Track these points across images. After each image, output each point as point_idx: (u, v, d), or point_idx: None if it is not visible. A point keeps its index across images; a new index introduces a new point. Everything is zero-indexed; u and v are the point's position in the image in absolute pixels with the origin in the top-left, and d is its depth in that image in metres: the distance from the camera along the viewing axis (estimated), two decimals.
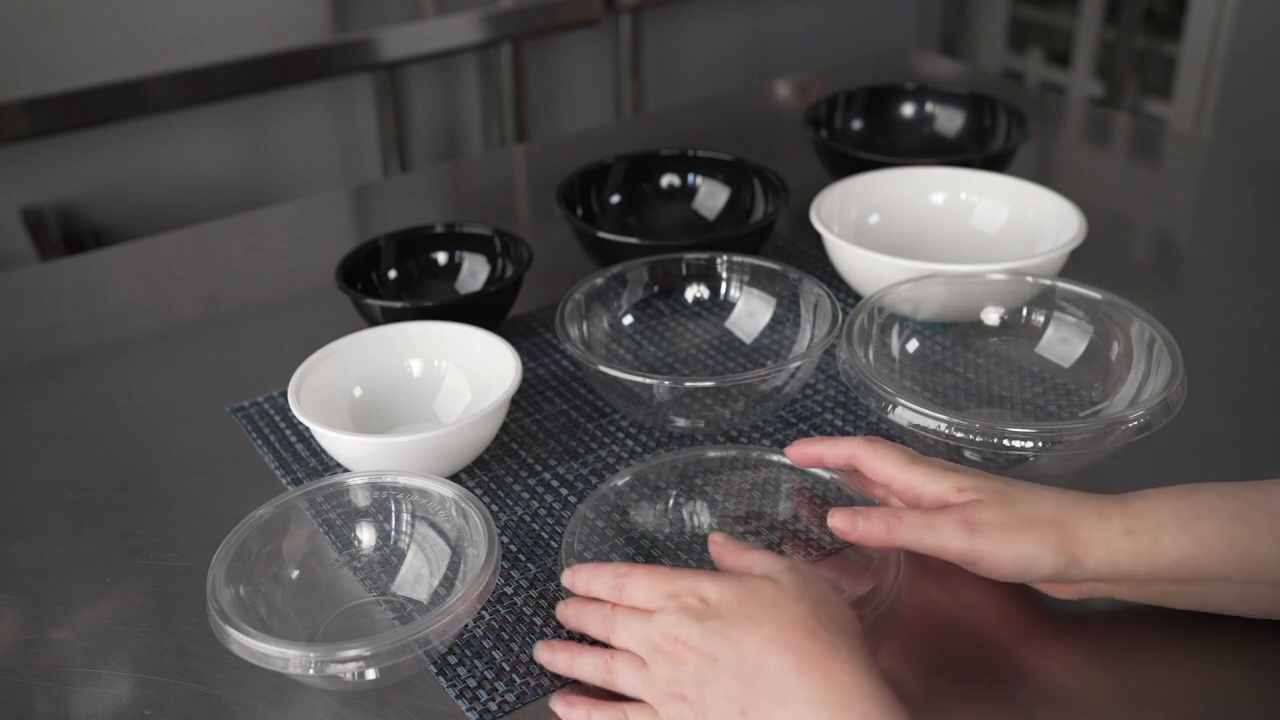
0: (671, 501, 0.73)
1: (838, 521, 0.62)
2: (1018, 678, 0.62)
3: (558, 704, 0.60)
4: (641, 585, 0.59)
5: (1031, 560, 0.59)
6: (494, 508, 0.75)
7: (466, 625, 0.64)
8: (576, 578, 0.62)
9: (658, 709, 0.56)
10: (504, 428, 0.81)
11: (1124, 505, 0.60)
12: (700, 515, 0.72)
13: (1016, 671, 0.62)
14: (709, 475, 0.74)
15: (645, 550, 0.70)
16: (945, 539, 0.60)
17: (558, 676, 0.62)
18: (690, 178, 1.08)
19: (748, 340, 0.89)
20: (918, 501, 0.63)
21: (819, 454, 0.67)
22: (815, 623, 0.54)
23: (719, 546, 0.63)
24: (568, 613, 0.62)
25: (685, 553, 0.70)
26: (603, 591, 0.60)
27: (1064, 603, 0.65)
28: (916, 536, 0.60)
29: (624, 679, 0.58)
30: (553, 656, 0.61)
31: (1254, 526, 0.58)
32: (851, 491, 0.69)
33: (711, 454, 0.74)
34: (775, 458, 0.73)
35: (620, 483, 0.72)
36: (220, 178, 2.03)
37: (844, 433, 0.80)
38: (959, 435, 0.69)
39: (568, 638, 0.64)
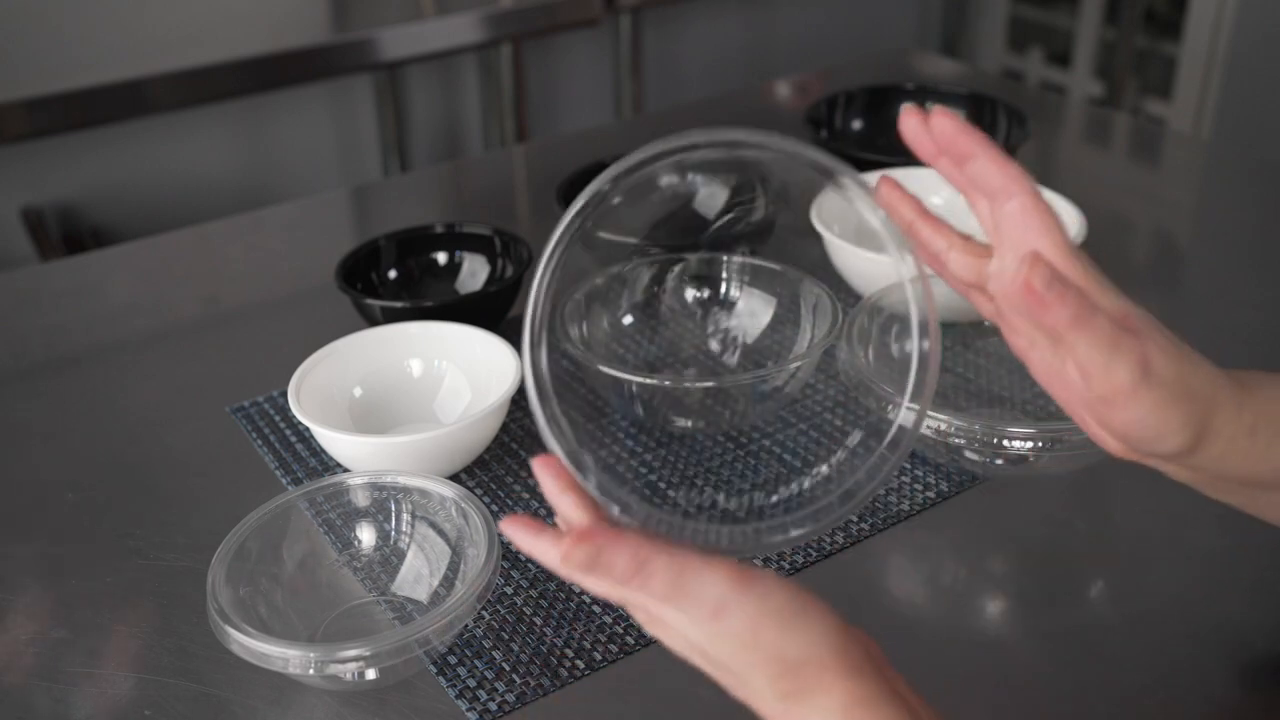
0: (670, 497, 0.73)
1: (1036, 273, 0.47)
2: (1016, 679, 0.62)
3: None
4: (595, 588, 0.49)
5: (1167, 435, 0.52)
6: (494, 508, 0.75)
7: (466, 625, 0.64)
8: (519, 536, 0.48)
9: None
10: (504, 428, 0.81)
11: (1253, 395, 0.54)
12: (697, 515, 0.72)
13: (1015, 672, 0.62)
14: (708, 475, 0.74)
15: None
16: (1120, 364, 0.50)
17: (557, 676, 0.62)
18: (690, 178, 1.08)
19: (748, 340, 0.89)
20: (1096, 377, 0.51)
21: (965, 151, 0.55)
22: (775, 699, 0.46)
23: (675, 573, 0.47)
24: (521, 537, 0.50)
25: None
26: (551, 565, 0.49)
27: (1056, 610, 0.65)
28: (1100, 337, 0.49)
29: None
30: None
31: None
32: None
33: None
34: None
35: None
36: (220, 178, 2.03)
37: (843, 432, 0.80)
38: (959, 435, 0.69)
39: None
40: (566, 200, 1.00)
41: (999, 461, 0.72)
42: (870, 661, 0.48)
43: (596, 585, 0.47)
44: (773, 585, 0.46)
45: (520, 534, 0.48)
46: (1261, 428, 0.54)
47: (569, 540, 0.46)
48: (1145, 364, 0.50)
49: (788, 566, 0.69)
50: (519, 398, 0.85)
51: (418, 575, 0.67)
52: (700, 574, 0.45)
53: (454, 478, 0.77)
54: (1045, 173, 1.23)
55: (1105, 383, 0.50)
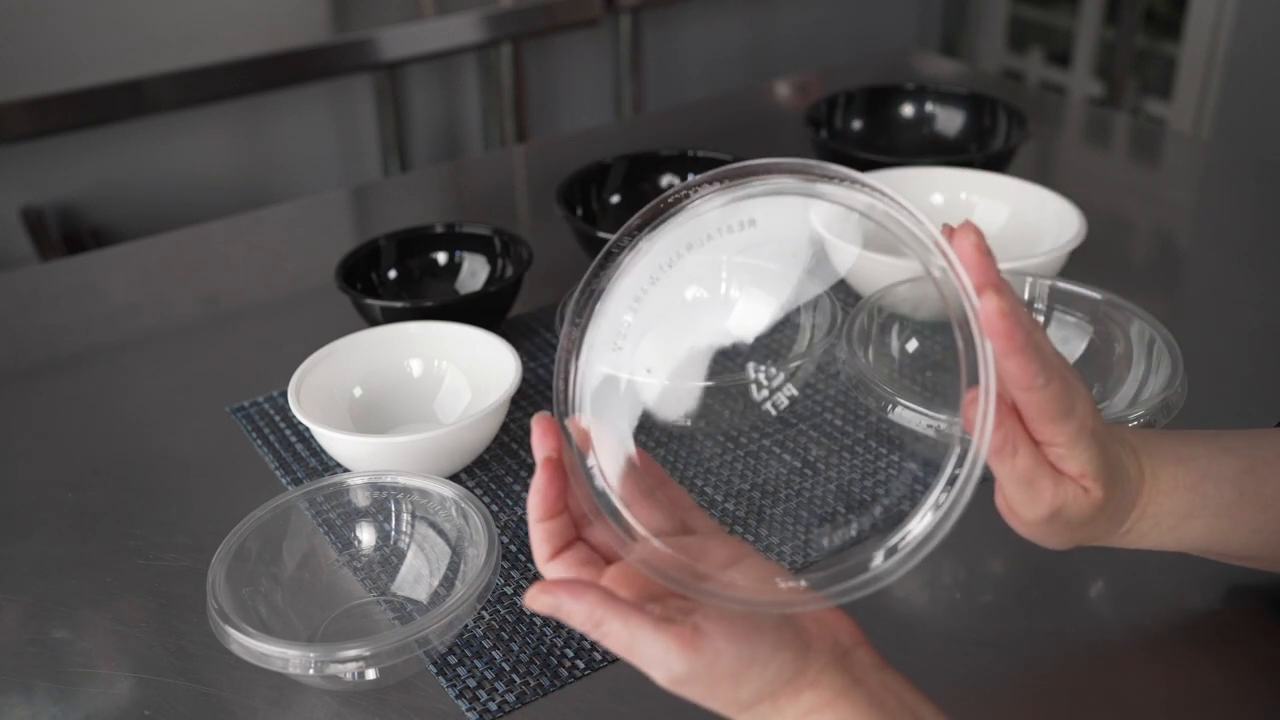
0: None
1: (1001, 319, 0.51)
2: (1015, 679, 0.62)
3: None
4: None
5: (1068, 542, 0.55)
6: (494, 508, 0.75)
7: (466, 625, 0.64)
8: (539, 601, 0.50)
9: None
10: (504, 428, 0.81)
11: (1156, 496, 0.56)
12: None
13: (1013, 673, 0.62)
14: (708, 475, 0.74)
15: None
16: (1030, 505, 0.53)
17: (557, 676, 0.62)
18: (690, 178, 1.08)
19: (748, 340, 0.89)
20: (1046, 447, 0.53)
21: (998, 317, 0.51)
22: None
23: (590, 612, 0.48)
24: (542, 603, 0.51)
25: None
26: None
27: (1056, 610, 0.65)
28: (1019, 473, 0.53)
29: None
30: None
31: (1236, 521, 0.58)
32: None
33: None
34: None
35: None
36: (220, 178, 2.03)
37: (844, 432, 0.80)
38: (959, 435, 0.69)
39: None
40: (566, 201, 1.00)
41: None
42: (836, 665, 0.49)
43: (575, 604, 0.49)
44: (721, 644, 0.47)
45: (535, 505, 0.50)
46: (1134, 528, 0.57)
47: (534, 587, 0.48)
48: (1056, 511, 0.53)
49: (787, 566, 0.69)
50: (519, 398, 0.85)
51: (418, 575, 0.67)
52: (652, 642, 0.47)
53: (454, 478, 0.77)
54: (1045, 173, 1.23)
55: (1018, 510, 0.54)
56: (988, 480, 0.75)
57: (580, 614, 0.47)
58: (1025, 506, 0.54)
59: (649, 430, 0.81)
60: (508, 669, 0.63)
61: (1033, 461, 0.53)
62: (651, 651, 0.47)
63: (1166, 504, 0.57)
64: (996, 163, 1.06)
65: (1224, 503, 0.58)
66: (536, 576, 0.69)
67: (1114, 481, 0.54)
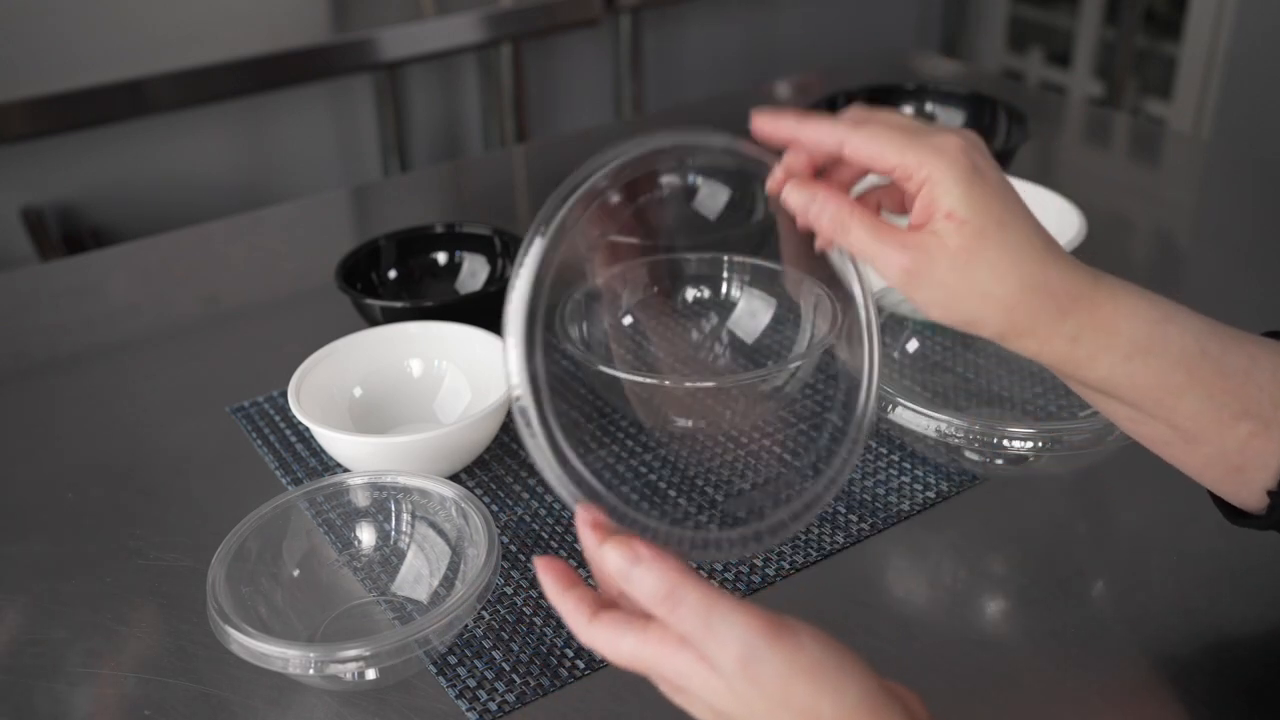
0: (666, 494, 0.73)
1: (791, 195, 0.54)
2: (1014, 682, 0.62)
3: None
4: (601, 646, 0.49)
5: (964, 324, 0.54)
6: (494, 508, 0.75)
7: (466, 625, 0.64)
8: (549, 583, 0.51)
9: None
10: (504, 428, 0.81)
11: (1088, 308, 0.54)
12: (698, 515, 0.72)
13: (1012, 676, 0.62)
14: (708, 475, 0.74)
15: None
16: (882, 273, 0.53)
17: (557, 676, 0.62)
18: (690, 178, 1.08)
19: (748, 340, 0.89)
20: (901, 181, 0.54)
21: (794, 135, 0.55)
22: None
23: (647, 595, 0.47)
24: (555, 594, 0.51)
25: None
26: (565, 621, 0.51)
27: (1057, 610, 0.65)
28: (855, 252, 0.54)
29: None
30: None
31: (1191, 375, 0.54)
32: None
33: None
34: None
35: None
36: (220, 178, 2.03)
37: (844, 433, 0.80)
38: (959, 435, 0.69)
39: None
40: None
41: (999, 461, 0.72)
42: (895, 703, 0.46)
43: (619, 647, 0.47)
44: (806, 638, 0.45)
45: (550, 583, 0.49)
46: (1085, 339, 0.53)
47: (611, 541, 0.46)
48: (912, 273, 0.52)
49: (788, 566, 0.69)
50: None
51: (418, 575, 0.67)
52: (730, 616, 0.45)
53: (454, 478, 0.77)
54: (1045, 173, 1.23)
55: (884, 278, 0.53)
56: (980, 481, 0.75)
57: (654, 576, 0.46)
58: (889, 275, 0.53)
59: (650, 429, 0.81)
60: (508, 669, 0.63)
61: (868, 230, 0.53)
62: (728, 625, 0.45)
63: (1125, 328, 0.54)
64: (997, 162, 1.06)
65: (1185, 352, 0.54)
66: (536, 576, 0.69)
67: (996, 228, 0.52)
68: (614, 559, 0.47)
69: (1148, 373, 0.54)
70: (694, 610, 0.45)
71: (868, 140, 0.53)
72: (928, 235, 0.52)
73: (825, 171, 0.56)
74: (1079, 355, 0.54)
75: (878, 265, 0.53)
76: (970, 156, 0.53)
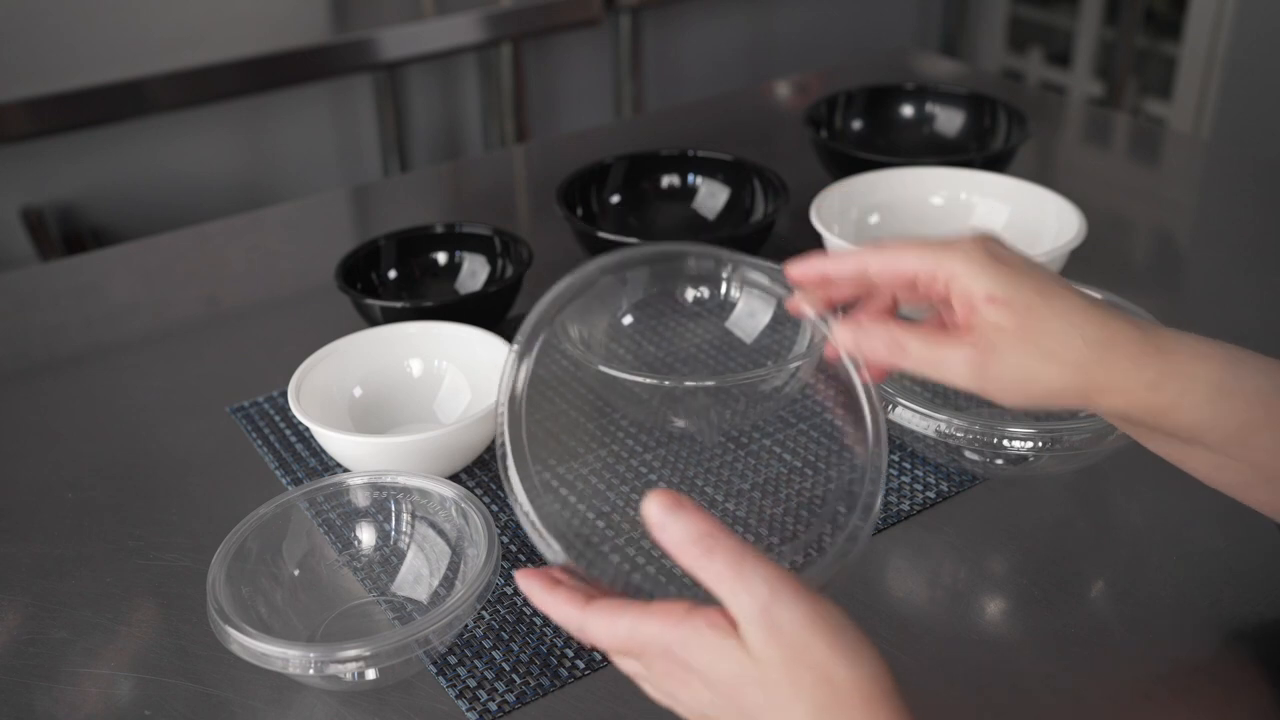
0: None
1: (842, 333, 0.56)
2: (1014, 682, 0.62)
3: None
4: (598, 634, 0.50)
5: (1042, 403, 0.54)
6: (494, 508, 0.75)
7: (466, 625, 0.64)
8: (531, 591, 0.53)
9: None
10: None
11: (1162, 355, 0.54)
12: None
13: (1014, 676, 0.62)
14: (708, 475, 0.74)
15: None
16: (951, 379, 0.54)
17: (557, 676, 0.62)
18: (690, 178, 1.08)
19: (748, 340, 0.89)
20: (939, 292, 0.56)
21: (823, 273, 0.58)
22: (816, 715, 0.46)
23: (680, 546, 0.49)
24: (535, 593, 0.53)
25: None
26: (557, 620, 0.52)
27: (1056, 610, 0.65)
28: (918, 369, 0.55)
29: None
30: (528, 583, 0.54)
31: (1270, 411, 0.54)
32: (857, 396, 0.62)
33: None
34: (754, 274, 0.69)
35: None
36: (220, 178, 2.03)
37: (844, 432, 0.80)
38: (959, 435, 0.69)
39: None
40: (566, 201, 1.00)
41: (999, 461, 0.72)
42: (903, 699, 0.47)
43: (616, 627, 0.49)
44: (831, 604, 0.47)
45: (535, 590, 0.52)
46: (1166, 386, 0.54)
47: (654, 497, 0.48)
48: (980, 363, 0.53)
49: (787, 565, 0.69)
50: None
51: (418, 575, 0.67)
52: (761, 563, 0.47)
53: (454, 478, 0.77)
54: (1045, 173, 1.23)
55: (955, 386, 0.55)
56: (979, 481, 0.75)
57: (695, 522, 0.48)
58: (959, 373, 0.54)
59: (650, 429, 0.81)
60: (508, 669, 0.63)
61: (924, 341, 0.54)
62: (757, 569, 0.47)
63: (1200, 371, 0.54)
64: (996, 163, 1.06)
65: (1260, 390, 0.54)
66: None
67: (1040, 298, 0.53)
68: (655, 507, 0.48)
69: (1230, 413, 0.54)
70: (728, 553, 0.47)
71: (888, 256, 0.56)
72: (979, 325, 0.53)
73: (858, 305, 0.59)
74: (1162, 403, 0.54)
75: (944, 369, 0.54)
76: (985, 245, 0.55)
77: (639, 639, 0.48)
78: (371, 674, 0.58)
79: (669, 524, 0.48)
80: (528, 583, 0.52)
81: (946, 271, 0.54)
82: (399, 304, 0.86)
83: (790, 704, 0.45)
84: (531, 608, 0.67)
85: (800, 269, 0.58)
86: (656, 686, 0.50)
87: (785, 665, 0.45)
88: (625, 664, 0.51)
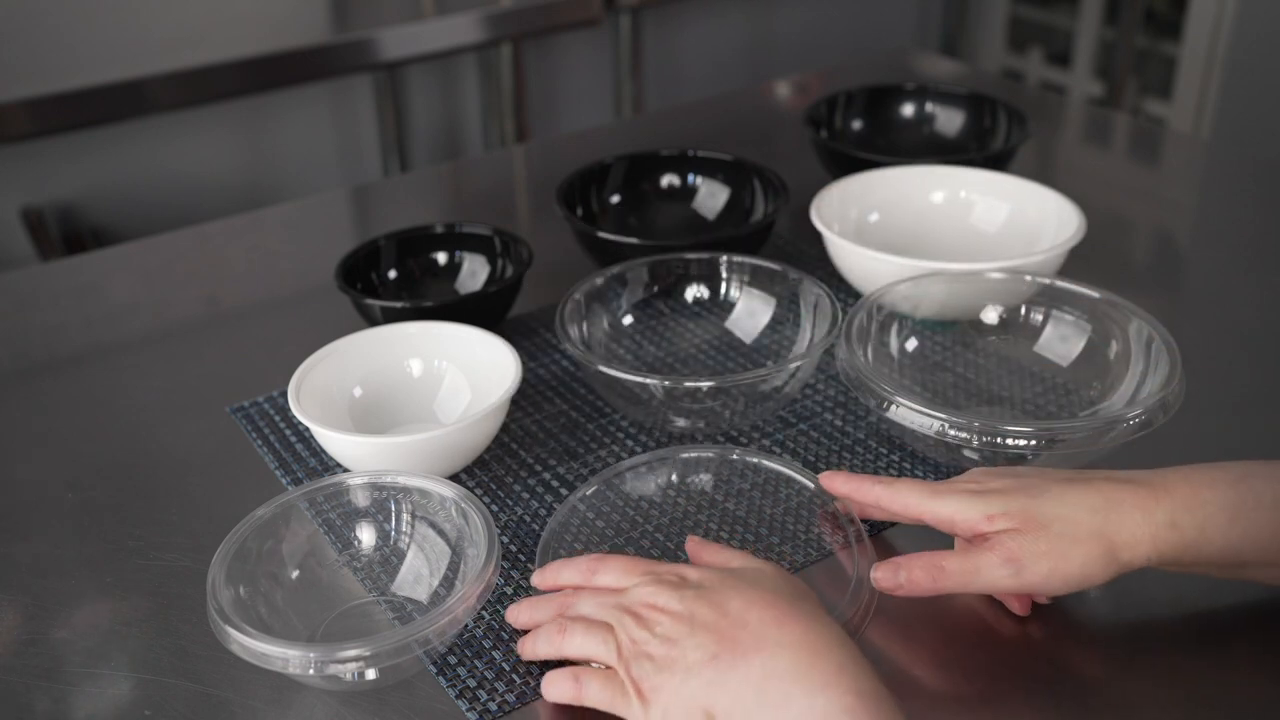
0: (664, 485, 0.73)
1: (881, 577, 0.62)
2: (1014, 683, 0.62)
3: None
4: (616, 567, 0.60)
5: (1081, 580, 0.59)
6: (494, 508, 0.75)
7: (466, 625, 0.64)
8: (546, 573, 0.64)
9: (618, 669, 0.56)
10: (504, 428, 0.81)
11: (1169, 494, 0.58)
12: (698, 514, 0.72)
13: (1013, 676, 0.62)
14: (706, 474, 0.74)
15: (635, 542, 0.70)
16: (992, 581, 0.60)
17: None
18: (690, 178, 1.08)
19: (748, 340, 0.89)
20: (951, 531, 0.63)
21: (848, 494, 0.68)
22: (795, 597, 0.56)
23: (696, 544, 0.65)
24: (519, 610, 0.63)
25: (677, 546, 0.70)
26: (573, 578, 0.62)
27: (1056, 609, 0.65)
28: (963, 583, 0.60)
29: (579, 640, 0.58)
30: (523, 645, 0.62)
31: None
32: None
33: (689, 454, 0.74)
34: (756, 459, 0.73)
35: (610, 474, 0.73)
36: (220, 178, 2.03)
37: (844, 433, 0.80)
38: (957, 434, 0.69)
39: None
40: (566, 201, 1.00)
41: (998, 460, 0.72)
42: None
43: (635, 562, 0.61)
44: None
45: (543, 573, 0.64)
46: (1183, 522, 0.58)
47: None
48: (1012, 561, 0.59)
49: (787, 566, 0.69)
50: (519, 398, 0.85)
51: (418, 575, 0.67)
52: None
53: (454, 478, 0.77)
54: (1045, 173, 1.23)
55: (996, 592, 0.63)
56: None
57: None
58: (998, 575, 0.59)
59: (650, 429, 0.81)
60: (508, 669, 0.63)
61: (959, 556, 0.60)
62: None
63: (1209, 497, 0.58)
64: (996, 162, 1.06)
65: (1276, 498, 0.58)
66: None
67: (1035, 489, 0.60)
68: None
69: (1259, 526, 0.57)
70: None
71: (895, 500, 0.65)
72: (994, 538, 0.60)
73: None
74: (1187, 539, 0.58)
75: (984, 577, 0.60)
76: (970, 479, 0.63)
77: (659, 564, 0.60)
78: (371, 674, 0.58)
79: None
80: (525, 611, 0.63)
81: (941, 517, 0.62)
82: (399, 304, 0.86)
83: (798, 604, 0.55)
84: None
85: (830, 481, 0.68)
86: (666, 605, 0.56)
87: (785, 574, 0.59)
88: (623, 613, 0.58)
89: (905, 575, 0.61)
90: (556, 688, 0.58)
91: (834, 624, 0.55)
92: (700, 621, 0.54)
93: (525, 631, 0.63)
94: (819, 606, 0.57)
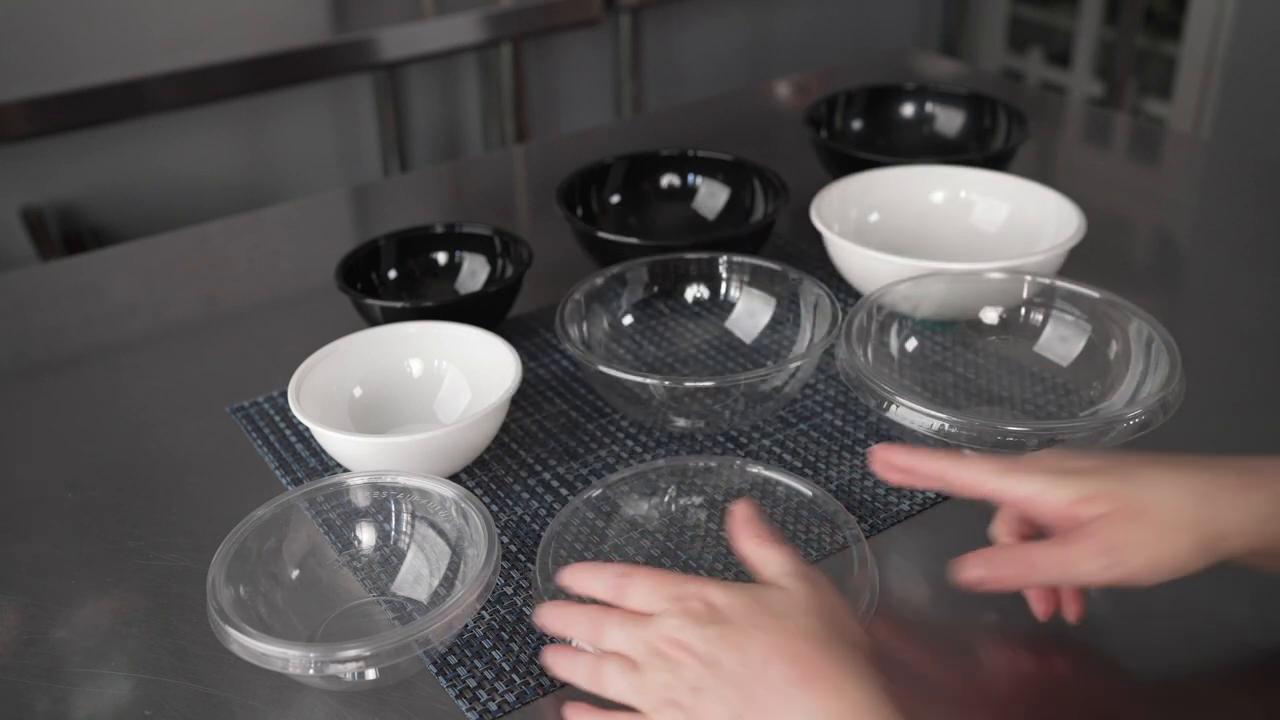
0: (667, 498, 0.73)
1: (972, 572, 0.58)
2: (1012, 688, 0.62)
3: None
4: (643, 587, 0.56)
5: (1175, 571, 0.55)
6: (494, 508, 0.75)
7: (466, 625, 0.64)
8: (576, 576, 0.60)
9: (649, 715, 0.54)
10: (504, 428, 0.81)
11: (1262, 480, 0.55)
12: (698, 515, 0.72)
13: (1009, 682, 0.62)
14: (708, 475, 0.74)
15: (635, 542, 0.70)
16: (1087, 573, 0.55)
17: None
18: (690, 178, 1.08)
19: (748, 340, 0.89)
20: (1027, 512, 0.59)
21: (908, 469, 0.62)
22: (825, 636, 0.52)
23: (739, 522, 0.60)
24: (551, 615, 0.59)
25: (682, 552, 0.70)
26: (600, 591, 0.58)
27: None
28: (1054, 576, 0.57)
29: (614, 682, 0.55)
30: (554, 660, 0.59)
31: None
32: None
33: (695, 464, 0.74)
34: (756, 469, 0.73)
35: (615, 479, 0.73)
36: (220, 178, 2.03)
37: (844, 433, 0.80)
38: (957, 434, 0.69)
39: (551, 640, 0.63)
40: (566, 201, 1.00)
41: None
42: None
43: (663, 575, 0.57)
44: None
45: (554, 619, 0.59)
46: (1278, 513, 0.54)
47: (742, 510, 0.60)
48: (1111, 552, 0.54)
49: None
50: (519, 398, 0.85)
51: (418, 575, 0.67)
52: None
53: (454, 478, 0.77)
54: (1045, 173, 1.23)
55: (1095, 585, 0.57)
56: None
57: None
58: (1092, 568, 0.55)
59: (650, 429, 0.81)
60: (508, 669, 0.63)
61: (1050, 548, 0.56)
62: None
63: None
64: (996, 162, 1.06)
65: None
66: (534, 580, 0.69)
67: (1130, 473, 0.55)
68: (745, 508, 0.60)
69: None
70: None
71: (965, 475, 0.59)
72: (1087, 524, 0.55)
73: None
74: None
75: (1080, 569, 0.55)
76: (1049, 457, 0.58)
77: (685, 584, 0.55)
78: (371, 674, 0.58)
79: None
80: (553, 617, 0.60)
81: (1018, 496, 0.57)
82: (399, 304, 0.86)
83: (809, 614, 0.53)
84: (532, 607, 0.67)
85: (888, 455, 0.62)
86: (684, 639, 0.53)
87: (818, 593, 0.55)
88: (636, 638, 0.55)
89: (991, 571, 0.58)
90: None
91: (863, 673, 0.51)
92: (724, 672, 0.52)
93: (540, 632, 0.63)
94: (850, 644, 0.53)
